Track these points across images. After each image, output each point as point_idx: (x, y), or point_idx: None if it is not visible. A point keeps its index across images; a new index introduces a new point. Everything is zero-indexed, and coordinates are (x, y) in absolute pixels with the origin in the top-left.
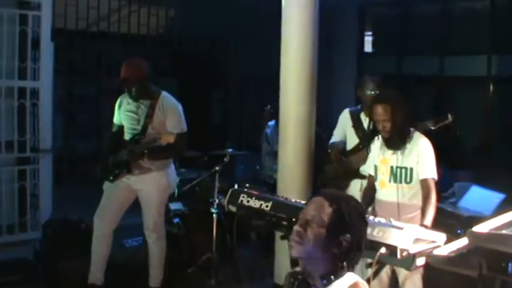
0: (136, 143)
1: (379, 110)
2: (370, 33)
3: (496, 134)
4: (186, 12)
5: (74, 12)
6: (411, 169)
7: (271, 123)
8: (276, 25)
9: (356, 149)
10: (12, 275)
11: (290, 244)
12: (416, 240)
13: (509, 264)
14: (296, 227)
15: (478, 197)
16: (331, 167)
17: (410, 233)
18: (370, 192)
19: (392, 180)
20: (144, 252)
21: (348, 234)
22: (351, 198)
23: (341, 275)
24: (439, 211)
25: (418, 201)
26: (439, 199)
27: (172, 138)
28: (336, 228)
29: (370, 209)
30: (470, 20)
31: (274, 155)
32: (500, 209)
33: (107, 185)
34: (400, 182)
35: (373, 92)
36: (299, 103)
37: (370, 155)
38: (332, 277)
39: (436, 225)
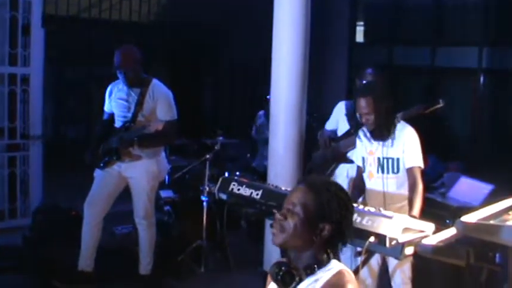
0: (126, 131)
1: (362, 102)
2: (361, 23)
3: (486, 126)
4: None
5: None
6: (398, 159)
7: (261, 112)
8: (267, 12)
9: (347, 133)
10: (2, 261)
11: (272, 232)
12: (405, 230)
13: (497, 254)
14: (277, 215)
15: (467, 188)
16: (319, 153)
17: (399, 222)
18: (359, 182)
19: (379, 171)
20: (134, 239)
21: (327, 223)
22: (333, 184)
23: (325, 264)
24: (428, 202)
25: (406, 191)
26: (429, 189)
27: (161, 125)
28: (315, 216)
29: (360, 199)
30: (463, 11)
31: (265, 143)
32: (488, 200)
33: (97, 173)
34: (388, 173)
35: (359, 82)
36: (290, 91)
37: (357, 146)
38: (315, 266)
39: (426, 215)
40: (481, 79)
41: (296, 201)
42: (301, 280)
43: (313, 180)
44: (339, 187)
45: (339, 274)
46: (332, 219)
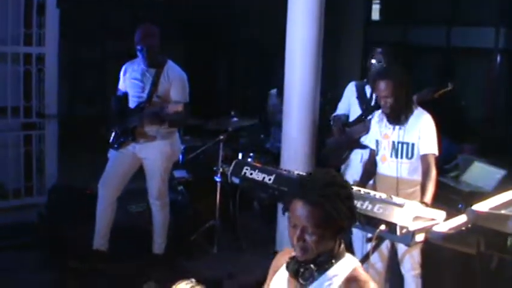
0: (141, 111)
1: (382, 85)
2: (377, 1)
3: (501, 107)
4: None
5: None
6: (412, 144)
7: (273, 91)
8: None
9: (359, 119)
10: (18, 238)
11: (295, 249)
12: (416, 218)
13: (508, 240)
14: (296, 236)
15: (479, 173)
16: (333, 139)
17: (410, 211)
18: (370, 166)
19: (393, 155)
20: (147, 218)
21: (342, 225)
22: (331, 186)
23: (341, 257)
24: (441, 185)
25: (418, 176)
26: (442, 172)
27: (181, 107)
28: (329, 228)
29: (371, 182)
30: None
31: (278, 124)
32: (501, 185)
33: (111, 153)
34: (402, 157)
35: (379, 64)
36: (304, 74)
37: (372, 129)
38: (333, 260)
39: (438, 199)
40: (498, 59)
41: (305, 222)
42: (319, 274)
43: (310, 191)
44: (337, 185)
45: (354, 271)
46: (344, 220)
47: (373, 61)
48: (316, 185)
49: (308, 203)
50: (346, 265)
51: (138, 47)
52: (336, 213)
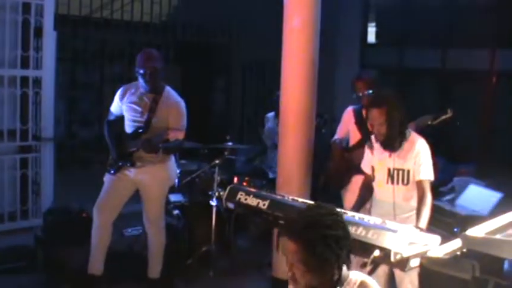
0: (139, 136)
1: (374, 114)
2: (373, 23)
3: (497, 129)
4: (188, 0)
5: None
6: (408, 171)
7: (270, 114)
8: (278, 13)
9: (358, 144)
10: (14, 262)
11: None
12: (411, 243)
13: (503, 265)
14: (288, 273)
15: (475, 196)
16: (333, 163)
17: (404, 236)
18: (364, 192)
19: (389, 182)
20: (143, 242)
21: (333, 258)
22: (312, 231)
23: (346, 278)
24: (436, 209)
25: (414, 201)
26: (438, 194)
27: (182, 135)
28: (317, 264)
29: (367, 206)
30: (475, 13)
31: (274, 147)
32: (497, 209)
33: (107, 177)
34: (398, 184)
35: (366, 93)
36: (300, 98)
37: (367, 155)
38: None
39: (433, 222)
40: (493, 81)
41: (289, 256)
42: None
43: (295, 228)
44: (322, 227)
45: (362, 285)
46: (334, 253)
47: (359, 92)
48: (299, 225)
49: (293, 240)
50: (353, 282)
51: (141, 71)
52: (317, 255)
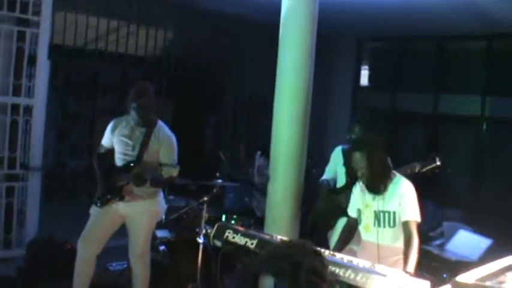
0: (129, 170)
1: (356, 157)
2: (366, 67)
3: (487, 174)
4: (184, 35)
5: (73, 30)
6: (394, 213)
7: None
8: (272, 52)
9: (345, 187)
10: None
11: None
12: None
13: None
14: None
15: (465, 241)
16: (321, 204)
17: (393, 281)
18: (347, 234)
19: (376, 224)
20: (127, 277)
21: None
22: (302, 269)
23: None
24: (425, 254)
25: (401, 244)
26: (427, 239)
27: (176, 172)
28: None
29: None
30: (466, 60)
31: (262, 186)
32: (487, 255)
33: (93, 209)
34: (384, 226)
35: (357, 135)
36: (291, 136)
37: (353, 198)
38: None
39: (422, 267)
40: (484, 127)
41: None
42: None
43: (263, 266)
44: (291, 265)
45: None
46: None
47: (352, 134)
48: (289, 262)
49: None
50: None
51: (133, 105)
52: None
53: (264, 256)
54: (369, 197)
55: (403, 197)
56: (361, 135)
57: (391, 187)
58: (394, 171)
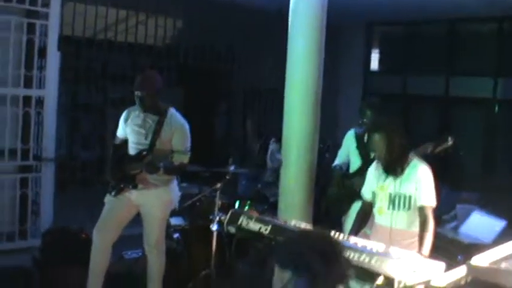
0: (142, 159)
1: (375, 138)
2: (376, 51)
3: (499, 156)
4: (193, 24)
5: (82, 20)
6: (410, 196)
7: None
8: (282, 40)
9: (359, 171)
10: (11, 282)
11: None
12: (415, 271)
13: None
14: None
15: (479, 224)
16: (334, 190)
17: (407, 264)
18: (363, 217)
19: (390, 207)
20: (143, 265)
21: None
22: (299, 260)
23: None
24: (439, 237)
25: (416, 228)
26: (441, 222)
27: (186, 159)
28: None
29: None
30: (478, 42)
31: (276, 172)
32: (501, 237)
33: (108, 199)
34: (399, 209)
35: (370, 119)
36: (302, 121)
37: (368, 180)
38: None
39: (436, 250)
40: (495, 109)
41: None
42: None
43: (281, 258)
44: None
45: None
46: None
47: (365, 118)
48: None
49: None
50: None
51: (135, 93)
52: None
53: (282, 251)
54: (384, 179)
55: (419, 182)
56: (375, 118)
57: (408, 170)
58: (412, 154)
